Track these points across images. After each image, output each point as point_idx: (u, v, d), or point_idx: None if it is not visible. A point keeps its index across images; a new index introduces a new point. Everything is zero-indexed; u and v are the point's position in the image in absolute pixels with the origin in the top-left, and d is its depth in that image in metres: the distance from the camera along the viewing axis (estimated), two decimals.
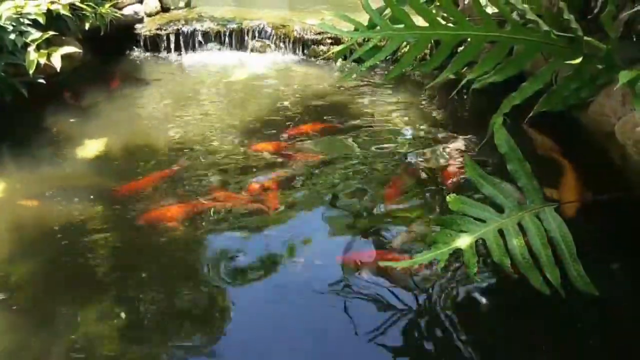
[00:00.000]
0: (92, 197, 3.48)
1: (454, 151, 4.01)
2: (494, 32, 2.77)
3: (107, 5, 5.53)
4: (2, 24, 4.53)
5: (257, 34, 6.26)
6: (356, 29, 3.04)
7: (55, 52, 4.72)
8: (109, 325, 2.58)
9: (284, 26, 6.26)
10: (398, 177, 3.46)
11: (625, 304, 2.60)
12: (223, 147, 4.11)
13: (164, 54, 6.28)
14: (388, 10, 3.25)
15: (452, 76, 3.08)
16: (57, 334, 2.55)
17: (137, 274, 2.92)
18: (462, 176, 3.47)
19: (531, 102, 2.81)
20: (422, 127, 4.44)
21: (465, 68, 3.65)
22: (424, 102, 4.97)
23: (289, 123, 4.50)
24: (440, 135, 4.26)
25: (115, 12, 5.72)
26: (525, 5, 2.72)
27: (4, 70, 4.48)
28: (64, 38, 5.06)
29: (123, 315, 2.64)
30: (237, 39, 6.28)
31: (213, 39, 6.32)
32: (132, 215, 3.33)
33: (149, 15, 6.51)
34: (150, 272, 2.93)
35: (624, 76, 2.32)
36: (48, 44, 4.76)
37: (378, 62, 3.10)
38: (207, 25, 6.33)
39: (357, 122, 4.53)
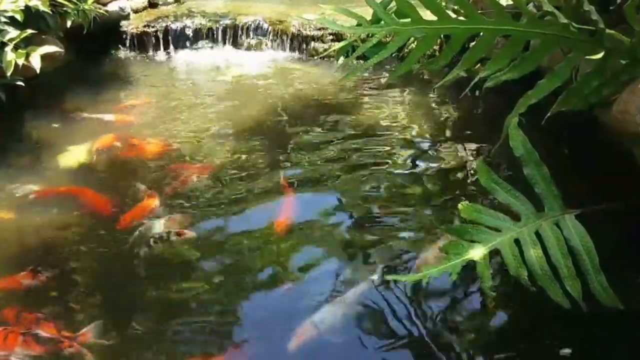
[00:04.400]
0: (74, 209, 3.48)
1: (466, 155, 4.01)
2: (508, 25, 2.77)
3: (90, 1, 5.54)
4: None
5: (252, 31, 6.29)
6: (359, 24, 3.04)
7: (35, 51, 4.72)
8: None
9: (281, 22, 6.29)
10: None
11: None
12: (214, 155, 4.13)
13: (151, 53, 6.31)
14: (393, 4, 3.26)
15: (463, 74, 3.08)
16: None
17: (119, 288, 2.93)
18: None
19: (549, 101, 2.81)
20: (431, 129, 4.45)
21: (478, 65, 3.65)
22: (433, 103, 4.98)
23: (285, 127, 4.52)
24: (451, 138, 4.26)
25: (99, 9, 5.74)
26: None
27: None
28: (43, 37, 5.06)
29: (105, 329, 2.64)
30: (230, 35, 6.31)
31: (205, 36, 6.35)
32: (115, 228, 3.34)
33: (136, 11, 6.55)
34: (133, 285, 2.96)
35: None
36: (27, 43, 4.75)
37: (383, 60, 3.10)
38: (198, 21, 6.37)
39: (360, 125, 4.54)
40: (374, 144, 4.22)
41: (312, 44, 6.14)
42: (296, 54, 6.20)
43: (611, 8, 3.11)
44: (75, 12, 5.37)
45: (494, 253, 2.50)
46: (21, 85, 4.58)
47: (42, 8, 4.93)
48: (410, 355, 2.55)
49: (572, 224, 2.55)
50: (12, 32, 4.66)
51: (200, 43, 6.35)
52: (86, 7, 5.46)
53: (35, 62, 4.68)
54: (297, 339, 2.53)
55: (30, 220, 3.41)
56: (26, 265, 3.03)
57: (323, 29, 6.10)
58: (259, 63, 6.02)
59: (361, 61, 5.05)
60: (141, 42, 6.31)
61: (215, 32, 6.31)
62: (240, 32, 6.30)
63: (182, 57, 6.25)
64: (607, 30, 2.60)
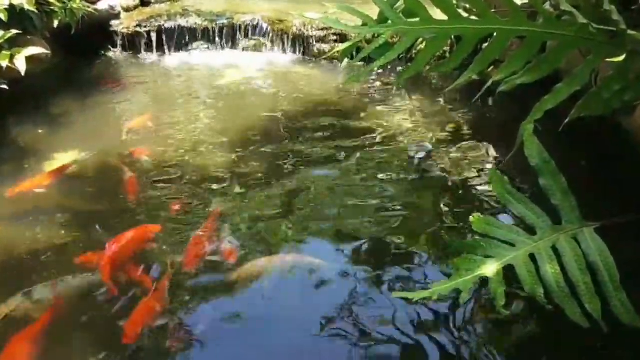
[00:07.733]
0: (61, 220, 3.49)
1: (478, 164, 4.01)
2: (524, 25, 2.77)
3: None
4: None
5: (250, 31, 6.30)
6: (364, 24, 3.05)
7: (20, 53, 4.74)
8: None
9: (281, 21, 6.30)
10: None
11: None
12: (210, 163, 4.14)
13: (143, 54, 6.32)
14: (401, 2, 3.27)
15: (475, 77, 3.07)
16: None
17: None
18: None
19: (567, 106, 2.80)
20: (440, 136, 4.45)
21: (491, 68, 3.65)
22: (442, 108, 4.98)
23: (285, 134, 4.52)
24: (462, 146, 4.26)
25: (88, 7, 5.76)
26: None
27: None
28: (29, 37, 5.08)
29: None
30: (227, 36, 6.32)
31: (200, 37, 6.37)
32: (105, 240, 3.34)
33: (127, 10, 6.57)
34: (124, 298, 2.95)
35: None
36: (11, 44, 4.77)
37: (389, 62, 3.10)
38: (193, 20, 6.38)
39: (365, 131, 4.55)
40: (380, 152, 4.23)
41: (315, 44, 6.15)
42: (297, 56, 6.22)
43: (633, 7, 3.11)
44: (63, 11, 5.38)
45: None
46: (5, 89, 4.59)
47: (27, 7, 4.94)
48: None
49: (591, 237, 2.55)
50: None
51: (196, 44, 6.37)
52: (74, 5, 5.47)
53: (21, 64, 4.69)
54: None
55: (15, 232, 3.41)
56: (9, 280, 3.04)
57: (326, 29, 6.12)
58: (257, 65, 6.03)
59: (366, 63, 5.06)
60: (132, 43, 6.33)
61: (211, 33, 6.33)
62: (237, 32, 6.31)
63: (176, 59, 6.26)
64: (629, 31, 2.60)
